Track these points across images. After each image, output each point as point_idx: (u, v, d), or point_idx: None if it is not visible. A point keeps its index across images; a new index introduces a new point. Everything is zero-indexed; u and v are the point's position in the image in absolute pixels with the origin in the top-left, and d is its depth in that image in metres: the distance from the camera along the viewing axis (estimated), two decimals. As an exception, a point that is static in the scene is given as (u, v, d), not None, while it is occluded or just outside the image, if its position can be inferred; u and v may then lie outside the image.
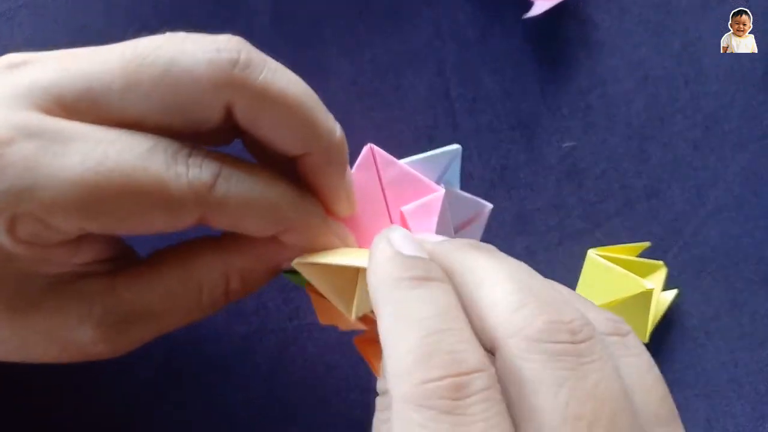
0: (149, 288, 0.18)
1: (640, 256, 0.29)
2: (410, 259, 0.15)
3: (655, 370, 0.15)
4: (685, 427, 0.15)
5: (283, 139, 0.17)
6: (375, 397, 0.16)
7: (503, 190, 0.30)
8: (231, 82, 0.16)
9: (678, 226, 0.31)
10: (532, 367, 0.13)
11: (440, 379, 0.12)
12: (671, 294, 0.29)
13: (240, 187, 0.16)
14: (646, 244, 0.29)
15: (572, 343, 0.13)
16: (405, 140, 0.30)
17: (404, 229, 0.17)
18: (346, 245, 0.19)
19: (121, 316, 0.18)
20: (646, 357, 0.15)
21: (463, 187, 0.23)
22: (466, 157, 0.30)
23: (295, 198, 0.17)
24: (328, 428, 0.28)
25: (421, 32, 0.30)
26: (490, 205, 0.23)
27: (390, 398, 0.13)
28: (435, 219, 0.19)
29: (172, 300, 0.18)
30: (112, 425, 0.27)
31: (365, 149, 0.20)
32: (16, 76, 0.16)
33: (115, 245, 0.18)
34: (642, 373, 0.14)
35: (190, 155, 0.16)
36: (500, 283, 0.14)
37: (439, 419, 0.12)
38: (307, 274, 0.18)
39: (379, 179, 0.20)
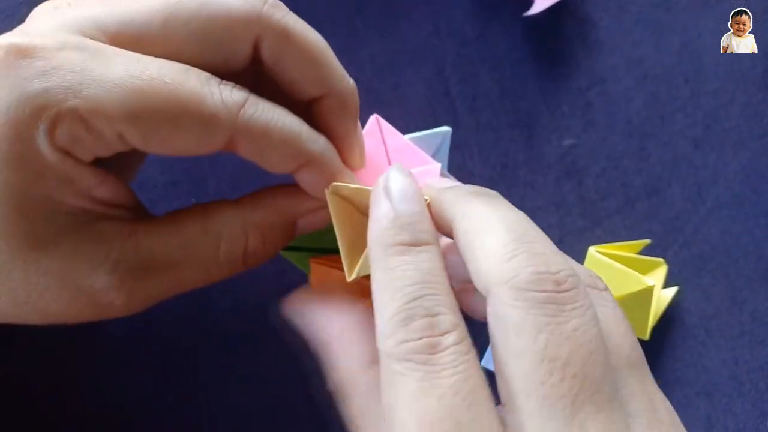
0: (168, 236, 0.18)
1: (641, 253, 0.29)
2: (402, 220, 0.16)
3: (627, 323, 0.16)
4: (686, 426, 0.16)
5: (304, 77, 0.18)
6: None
7: (503, 188, 0.30)
8: (260, 17, 0.17)
9: (678, 224, 0.30)
10: (517, 314, 0.14)
11: (418, 339, 0.14)
12: (672, 291, 0.29)
13: (266, 113, 0.17)
14: (647, 241, 0.29)
15: (556, 292, 0.14)
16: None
17: (406, 173, 0.18)
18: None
19: (139, 263, 0.18)
20: (619, 311, 0.16)
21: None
22: (466, 155, 0.30)
23: (314, 133, 0.18)
24: (330, 429, 0.28)
25: (419, 30, 0.30)
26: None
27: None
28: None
29: (190, 250, 0.18)
30: (112, 427, 0.27)
31: (371, 119, 0.21)
32: (61, 12, 0.17)
33: (132, 198, 0.19)
34: (617, 322, 0.16)
35: (221, 82, 0.17)
36: (496, 232, 0.15)
37: (416, 368, 0.14)
38: (334, 208, 0.18)
39: (385, 146, 0.21)
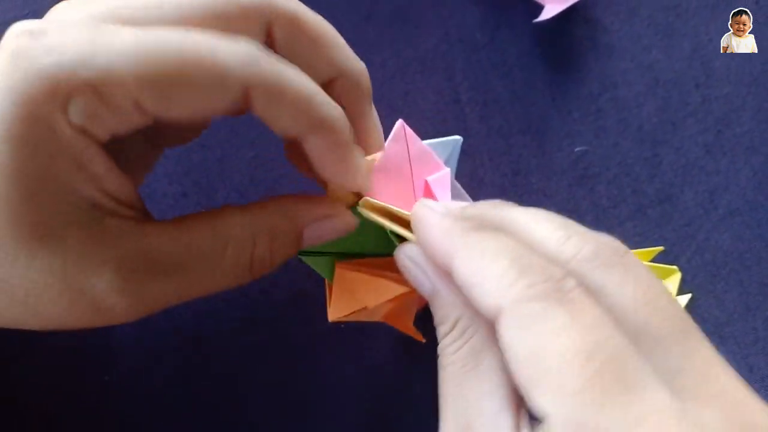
0: (174, 236, 0.18)
1: (654, 260, 0.29)
2: (462, 217, 0.17)
3: (659, 292, 0.17)
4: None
5: (316, 59, 0.19)
6: (436, 355, 0.17)
7: (515, 195, 0.30)
8: (271, 3, 0.18)
9: (691, 231, 0.30)
10: (595, 277, 0.15)
11: (544, 282, 0.14)
12: (685, 299, 0.29)
13: (279, 65, 0.17)
14: (660, 248, 0.29)
15: (618, 255, 0.16)
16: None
17: (436, 202, 0.19)
18: (367, 170, 0.20)
19: (143, 263, 0.17)
20: (644, 280, 0.17)
21: (473, 192, 0.23)
22: (477, 162, 0.30)
23: (327, 97, 0.18)
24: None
25: (429, 37, 0.30)
26: None
27: (471, 327, 0.16)
28: (449, 191, 0.22)
29: (196, 251, 0.18)
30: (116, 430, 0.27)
31: (398, 124, 0.22)
32: (76, 7, 0.17)
33: (139, 200, 0.18)
34: (645, 293, 0.16)
35: (232, 36, 0.17)
36: (542, 223, 0.17)
37: (557, 306, 0.14)
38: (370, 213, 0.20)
39: (408, 151, 0.22)
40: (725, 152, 0.31)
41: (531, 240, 0.16)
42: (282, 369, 0.27)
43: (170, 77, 0.15)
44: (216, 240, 0.18)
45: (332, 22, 0.30)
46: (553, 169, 0.30)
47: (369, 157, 0.20)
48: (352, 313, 0.22)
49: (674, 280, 0.28)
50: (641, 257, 0.28)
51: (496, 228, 0.17)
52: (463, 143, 0.25)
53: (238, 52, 0.16)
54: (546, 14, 0.29)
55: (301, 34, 0.18)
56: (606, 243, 0.16)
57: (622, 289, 0.15)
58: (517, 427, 0.15)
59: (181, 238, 0.18)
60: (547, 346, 0.14)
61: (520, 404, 0.15)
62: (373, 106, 0.21)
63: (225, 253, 0.18)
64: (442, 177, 0.22)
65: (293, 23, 0.18)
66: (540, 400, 0.14)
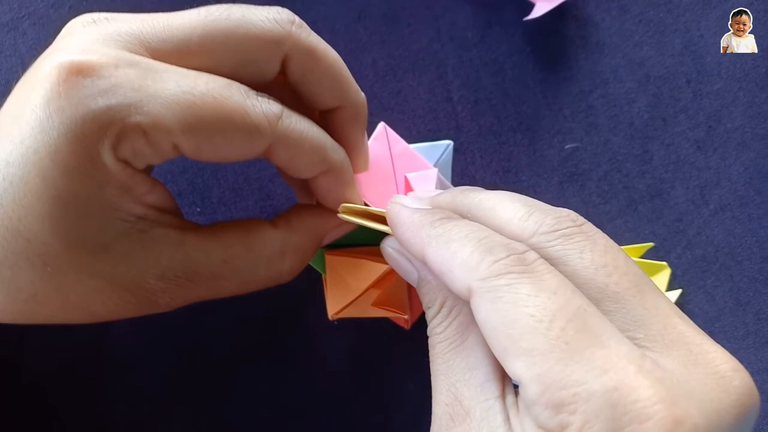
0: (213, 250, 0.19)
1: (644, 256, 0.29)
2: (430, 210, 0.19)
3: (615, 253, 0.18)
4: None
5: (325, 91, 0.20)
6: (426, 341, 0.18)
7: (506, 192, 0.30)
8: (289, 37, 0.19)
9: (681, 227, 0.30)
10: (557, 248, 0.16)
11: (507, 257, 0.15)
12: (675, 294, 0.29)
13: (299, 124, 0.19)
14: (650, 244, 0.29)
15: (577, 226, 0.17)
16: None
17: (409, 195, 0.20)
18: (360, 198, 0.22)
19: (184, 272, 0.19)
20: (599, 242, 0.18)
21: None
22: (468, 160, 0.30)
23: (335, 143, 0.20)
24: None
25: (420, 35, 0.30)
26: None
27: (450, 305, 0.17)
28: (432, 187, 0.23)
29: (232, 266, 0.20)
30: (115, 430, 0.27)
31: (380, 126, 0.24)
32: (101, 26, 0.18)
33: (174, 204, 0.20)
34: (601, 255, 0.18)
35: (258, 94, 0.18)
36: (506, 204, 0.18)
37: (521, 276, 0.15)
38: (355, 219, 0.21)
39: (390, 151, 0.24)
40: (716, 148, 0.31)
41: (496, 222, 0.17)
42: (278, 367, 0.28)
43: (208, 131, 0.17)
44: (250, 257, 0.20)
45: (325, 22, 0.30)
46: (544, 166, 0.30)
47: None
48: (347, 306, 0.23)
49: (664, 275, 0.28)
50: (631, 253, 0.28)
51: (464, 214, 0.18)
52: (455, 141, 0.25)
53: (267, 112, 0.18)
54: (536, 12, 0.29)
55: (315, 67, 0.20)
56: (565, 215, 0.17)
57: (581, 255, 0.16)
58: (503, 395, 0.16)
59: (218, 252, 0.19)
60: (516, 316, 0.15)
61: (505, 374, 0.16)
62: (365, 133, 0.22)
63: (258, 269, 0.20)
64: (426, 175, 0.23)
65: (309, 56, 0.19)
66: (514, 365, 0.14)
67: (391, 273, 0.22)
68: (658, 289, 0.16)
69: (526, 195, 0.30)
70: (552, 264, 0.16)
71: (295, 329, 0.28)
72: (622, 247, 0.29)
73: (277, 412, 0.28)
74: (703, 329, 0.31)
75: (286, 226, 0.21)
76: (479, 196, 0.19)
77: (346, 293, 0.23)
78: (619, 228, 0.30)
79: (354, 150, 0.22)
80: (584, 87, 0.31)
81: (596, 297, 0.15)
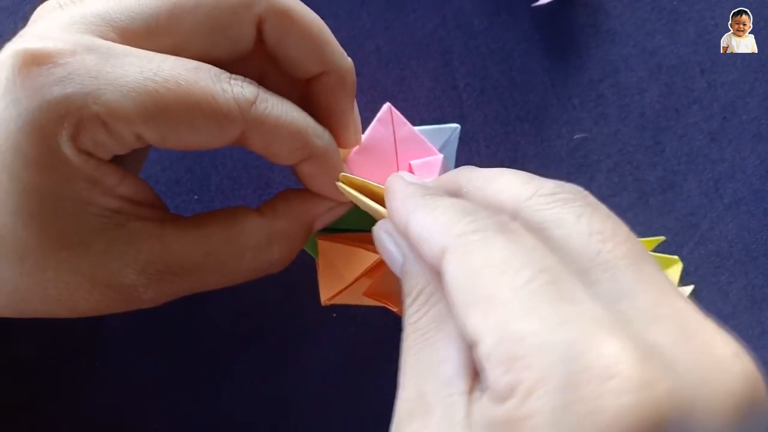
0: (194, 242, 0.19)
1: (655, 250, 0.28)
2: (424, 185, 0.18)
3: (609, 221, 0.17)
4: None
5: (305, 55, 0.19)
6: (401, 335, 0.17)
7: (512, 183, 0.29)
8: None
9: (694, 221, 0.30)
10: (553, 212, 0.15)
11: (487, 219, 0.14)
12: (687, 290, 0.28)
13: (276, 108, 0.18)
14: (661, 238, 0.28)
15: (581, 195, 0.15)
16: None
17: (409, 173, 0.20)
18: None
19: (165, 266, 0.18)
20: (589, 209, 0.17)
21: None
22: (473, 150, 0.29)
23: (318, 127, 0.19)
24: (331, 428, 0.27)
25: (426, 22, 0.29)
26: None
27: (423, 288, 0.16)
28: (437, 176, 0.21)
29: (215, 258, 0.19)
30: (111, 426, 0.27)
31: (385, 107, 0.22)
32: (66, 10, 0.17)
33: (153, 195, 0.19)
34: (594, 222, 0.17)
35: (230, 77, 0.17)
36: (503, 176, 0.17)
37: (496, 233, 0.14)
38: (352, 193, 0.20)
39: (393, 134, 0.22)
40: (731, 140, 0.30)
41: (493, 191, 0.17)
42: (273, 359, 0.27)
43: (173, 119, 0.16)
44: (233, 248, 0.19)
45: (327, 8, 0.30)
46: (552, 156, 0.29)
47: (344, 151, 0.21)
48: (340, 292, 0.22)
49: (675, 270, 0.27)
50: (641, 247, 0.28)
51: (458, 191, 0.18)
52: (460, 130, 0.24)
53: (238, 97, 0.17)
54: (545, -2, 0.28)
55: (292, 29, 0.18)
56: (567, 184, 0.16)
57: (579, 219, 0.15)
58: (470, 392, 0.14)
59: (200, 244, 0.19)
60: (482, 269, 0.13)
61: (476, 372, 0.14)
62: (354, 102, 0.21)
63: (242, 259, 0.19)
64: (431, 162, 0.22)
65: (284, 18, 0.18)
66: (472, 321, 0.13)
67: (383, 263, 0.21)
68: (658, 266, 0.15)
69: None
70: (545, 226, 0.15)
71: (289, 320, 0.27)
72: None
73: (273, 402, 0.27)
74: (716, 326, 0.30)
75: (272, 214, 0.20)
76: (472, 173, 0.18)
77: (338, 281, 0.22)
78: (629, 221, 0.29)
79: (341, 121, 0.20)
80: (594, 76, 0.30)
81: (585, 266, 0.14)
